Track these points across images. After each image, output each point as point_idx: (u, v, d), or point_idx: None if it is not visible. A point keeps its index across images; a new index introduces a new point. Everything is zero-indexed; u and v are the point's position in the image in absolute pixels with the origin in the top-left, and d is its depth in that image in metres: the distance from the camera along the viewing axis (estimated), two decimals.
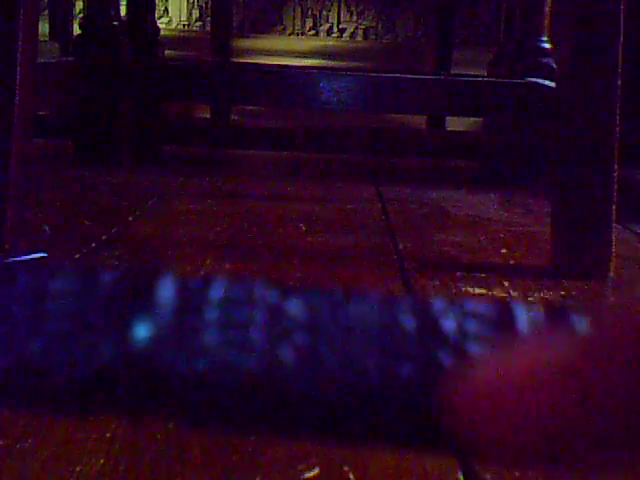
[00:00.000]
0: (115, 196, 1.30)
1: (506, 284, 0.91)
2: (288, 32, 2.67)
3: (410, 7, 2.63)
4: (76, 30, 1.71)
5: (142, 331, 0.13)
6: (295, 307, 0.14)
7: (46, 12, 2.24)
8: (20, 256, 0.91)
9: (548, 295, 0.88)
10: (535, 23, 1.59)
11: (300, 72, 1.62)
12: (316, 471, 0.48)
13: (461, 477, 0.49)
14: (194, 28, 2.66)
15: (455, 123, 2.04)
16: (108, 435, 0.52)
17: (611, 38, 0.91)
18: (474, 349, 0.14)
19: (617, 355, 0.13)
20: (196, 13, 2.67)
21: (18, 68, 0.91)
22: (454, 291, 0.87)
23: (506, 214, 1.32)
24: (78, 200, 1.27)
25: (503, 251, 1.07)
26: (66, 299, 0.14)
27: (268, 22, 2.67)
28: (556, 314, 0.15)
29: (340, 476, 0.48)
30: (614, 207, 0.93)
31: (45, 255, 0.92)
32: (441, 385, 0.14)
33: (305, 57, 2.52)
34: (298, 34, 2.67)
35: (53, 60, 1.56)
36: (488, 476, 0.49)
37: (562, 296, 0.88)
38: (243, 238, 1.08)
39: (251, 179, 1.54)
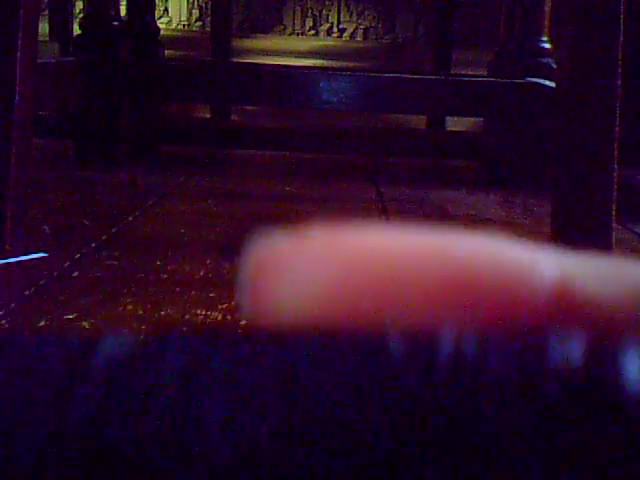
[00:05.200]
0: (115, 196, 1.30)
1: None
2: (288, 32, 2.67)
3: (410, 7, 2.62)
4: (76, 30, 1.71)
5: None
6: None
7: (46, 12, 2.24)
8: (20, 256, 0.90)
9: None
10: (535, 23, 1.59)
11: (300, 72, 1.62)
12: None
13: None
14: (194, 28, 2.66)
15: (455, 123, 2.04)
16: None
17: (611, 38, 0.91)
18: None
19: None
20: (196, 13, 2.67)
21: (18, 68, 0.91)
22: None
23: (506, 214, 1.32)
24: (78, 200, 1.27)
25: None
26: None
27: (268, 22, 2.67)
28: None
29: None
30: (614, 207, 0.93)
31: (45, 255, 0.92)
32: None
33: (305, 57, 2.52)
34: (298, 34, 2.67)
35: (53, 60, 1.56)
36: None
37: None
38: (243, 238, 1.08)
39: (251, 179, 1.54)
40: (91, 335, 0.11)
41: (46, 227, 1.06)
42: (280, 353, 0.11)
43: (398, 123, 2.04)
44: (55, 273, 0.86)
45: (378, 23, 2.66)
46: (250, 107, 2.11)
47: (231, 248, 0.86)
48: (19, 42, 0.91)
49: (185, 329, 0.11)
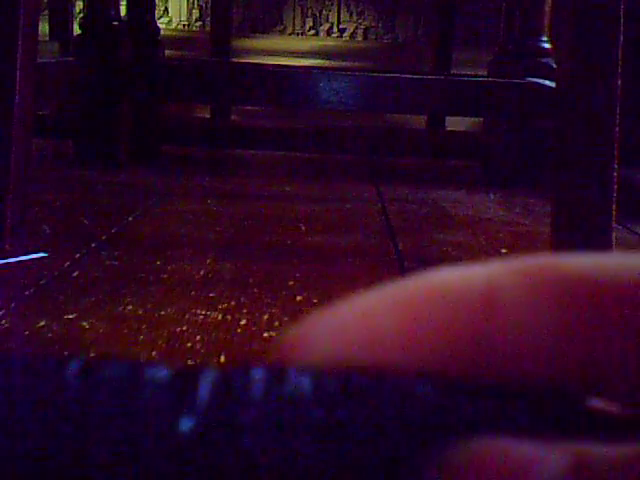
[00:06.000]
0: (115, 196, 1.30)
1: None
2: (288, 32, 2.67)
3: (410, 7, 2.63)
4: (76, 30, 1.71)
5: None
6: None
7: (46, 12, 2.24)
8: (20, 256, 0.91)
9: None
10: (535, 23, 1.59)
11: (300, 72, 1.62)
12: None
13: None
14: (194, 28, 2.66)
15: (455, 123, 2.04)
16: None
17: (611, 38, 0.91)
18: None
19: None
20: (196, 13, 2.67)
21: (18, 68, 0.91)
22: None
23: (506, 214, 1.32)
24: (78, 200, 1.27)
25: (503, 251, 1.07)
26: None
27: (268, 22, 2.67)
28: None
29: None
30: (614, 207, 0.93)
31: (45, 255, 0.92)
32: None
33: (305, 57, 2.52)
34: (298, 34, 2.67)
35: (53, 60, 1.56)
36: None
37: None
38: (243, 238, 1.08)
39: (251, 179, 1.54)
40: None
41: (46, 227, 1.06)
42: None
43: (398, 123, 2.04)
44: (55, 273, 0.86)
45: (378, 23, 2.66)
46: (250, 107, 2.11)
47: None
48: (19, 42, 0.91)
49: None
